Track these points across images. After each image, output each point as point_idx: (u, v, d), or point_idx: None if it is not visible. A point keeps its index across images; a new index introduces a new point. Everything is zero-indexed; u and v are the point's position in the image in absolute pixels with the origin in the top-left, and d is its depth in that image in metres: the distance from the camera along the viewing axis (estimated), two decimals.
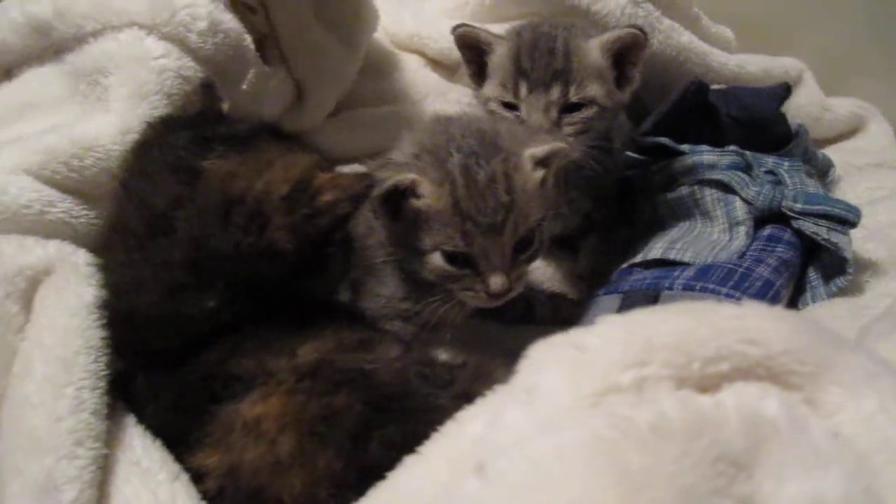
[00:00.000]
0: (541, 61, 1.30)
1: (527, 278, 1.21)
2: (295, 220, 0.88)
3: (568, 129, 1.30)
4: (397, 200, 1.11)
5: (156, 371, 0.91)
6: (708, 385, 0.63)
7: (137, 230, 0.92)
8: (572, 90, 1.29)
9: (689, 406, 0.59)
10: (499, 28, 1.50)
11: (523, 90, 1.31)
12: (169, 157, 0.94)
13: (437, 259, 1.14)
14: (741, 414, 0.60)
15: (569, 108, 1.31)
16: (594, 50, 1.33)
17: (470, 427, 0.70)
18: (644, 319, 0.66)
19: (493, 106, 1.35)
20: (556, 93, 1.29)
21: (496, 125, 1.19)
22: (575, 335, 0.67)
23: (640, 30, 1.33)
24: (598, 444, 0.56)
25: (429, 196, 1.10)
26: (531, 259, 1.18)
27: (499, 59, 1.36)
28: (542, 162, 1.15)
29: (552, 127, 1.29)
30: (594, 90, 1.31)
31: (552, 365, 0.65)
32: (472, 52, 1.41)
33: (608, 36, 1.34)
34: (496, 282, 1.13)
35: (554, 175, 1.19)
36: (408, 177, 1.09)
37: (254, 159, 0.92)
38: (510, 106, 1.33)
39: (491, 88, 1.36)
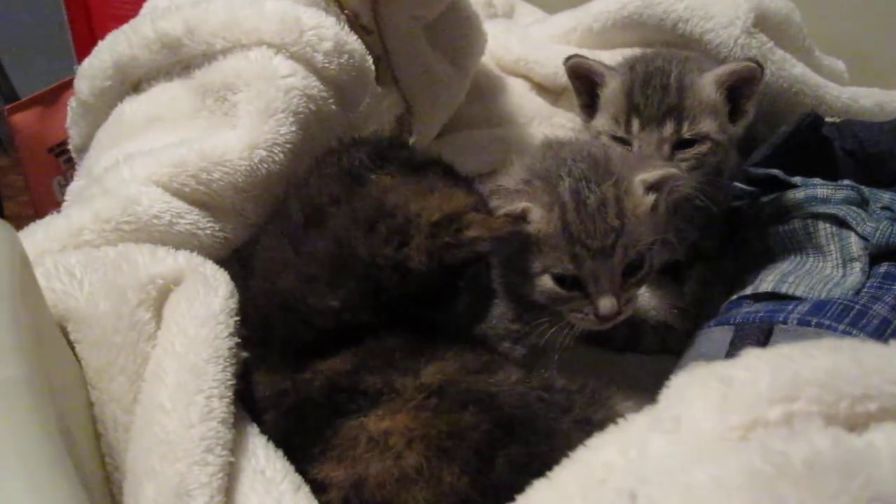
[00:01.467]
0: (654, 97, 1.30)
1: (636, 302, 1.21)
2: (434, 245, 0.90)
3: (681, 165, 1.29)
4: None
5: (278, 372, 0.93)
6: (855, 424, 0.62)
7: (295, 218, 0.97)
8: (685, 126, 1.29)
9: (841, 444, 0.58)
10: (608, 55, 1.51)
11: (635, 126, 1.31)
12: (345, 163, 1.00)
13: (546, 281, 1.15)
14: (893, 454, 0.59)
15: (682, 143, 1.31)
16: (708, 84, 1.32)
17: (602, 454, 0.70)
18: (790, 354, 0.65)
19: (605, 140, 1.35)
20: (668, 129, 1.29)
21: (608, 150, 1.20)
22: (720, 367, 0.67)
23: (757, 63, 1.32)
24: (754, 477, 0.56)
25: (538, 221, 1.11)
26: (641, 283, 1.18)
27: (611, 92, 1.37)
28: (653, 187, 1.16)
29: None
30: (707, 126, 1.30)
31: (698, 396, 0.64)
32: (584, 83, 1.42)
33: (723, 69, 1.34)
34: (605, 305, 1.13)
35: (665, 201, 1.19)
36: (518, 206, 1.11)
37: (417, 184, 0.96)
38: (622, 141, 1.34)
39: (602, 122, 1.37)
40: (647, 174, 1.15)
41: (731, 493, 0.55)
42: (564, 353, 1.25)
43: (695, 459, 0.59)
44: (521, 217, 1.11)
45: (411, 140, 1.12)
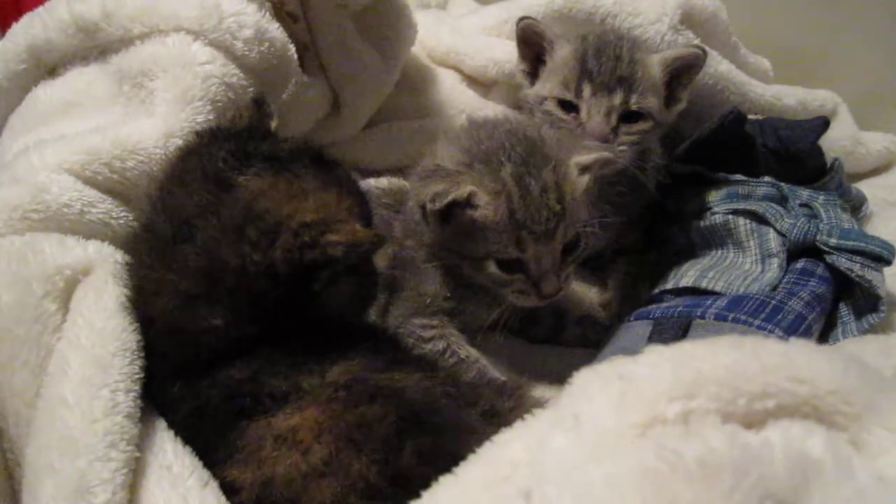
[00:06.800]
0: (607, 65, 1.33)
1: (573, 278, 1.24)
2: (294, 245, 0.86)
3: (624, 139, 1.32)
4: (450, 209, 1.13)
5: (175, 380, 0.90)
6: (753, 421, 0.63)
7: (163, 234, 0.91)
8: (634, 98, 1.32)
9: (736, 442, 0.59)
10: None
11: (586, 91, 1.33)
12: (208, 166, 0.93)
13: (489, 266, 1.17)
14: (787, 452, 0.60)
15: (627, 117, 1.33)
16: (656, 64, 1.37)
17: (508, 450, 0.70)
18: (692, 351, 0.66)
19: (550, 105, 1.37)
20: (618, 98, 1.31)
21: (541, 132, 1.20)
22: (622, 364, 0.67)
23: (702, 49, 1.36)
24: (647, 476, 0.56)
25: (484, 206, 1.12)
26: (576, 260, 1.21)
27: (562, 58, 1.39)
28: (586, 168, 1.17)
29: (611, 133, 1.31)
30: (652, 102, 1.34)
31: (599, 393, 0.64)
32: (530, 49, 1.45)
33: (670, 53, 1.39)
34: (548, 284, 1.17)
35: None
36: (466, 189, 1.11)
37: (288, 183, 0.91)
38: (568, 105, 1.35)
39: (550, 86, 1.38)
40: (582, 157, 1.17)
41: (623, 491, 0.56)
42: (489, 342, 1.26)
43: (592, 457, 0.59)
44: (468, 200, 1.12)
45: (273, 123, 1.07)
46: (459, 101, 1.74)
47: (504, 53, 1.67)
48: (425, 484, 0.74)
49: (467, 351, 1.22)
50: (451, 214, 1.14)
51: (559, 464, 0.60)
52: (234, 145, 0.95)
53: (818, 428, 0.63)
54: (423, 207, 1.15)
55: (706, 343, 0.68)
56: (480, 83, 1.78)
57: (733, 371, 0.63)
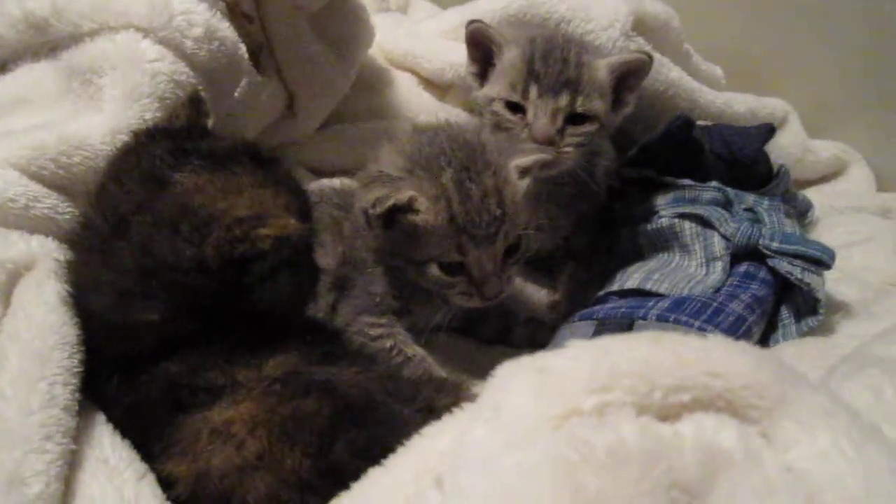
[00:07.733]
0: (554, 67, 1.35)
1: (514, 279, 1.25)
2: (226, 239, 0.86)
3: (569, 140, 1.34)
4: (392, 214, 1.14)
5: (114, 374, 0.91)
6: (668, 414, 0.65)
7: (101, 231, 0.91)
8: (580, 100, 1.34)
9: (647, 433, 0.61)
10: None
11: (533, 93, 1.35)
12: (144, 164, 0.93)
13: (432, 270, 1.18)
14: (698, 444, 0.62)
15: (573, 119, 1.35)
16: (602, 68, 1.38)
17: (437, 442, 0.71)
18: (611, 346, 0.68)
19: (497, 106, 1.39)
20: (564, 100, 1.33)
21: (480, 137, 1.22)
22: (542, 358, 0.68)
23: (648, 55, 1.39)
24: (557, 464, 0.57)
25: (425, 212, 1.14)
26: (518, 262, 1.23)
27: (509, 60, 1.40)
28: (526, 171, 1.20)
29: (556, 134, 1.33)
30: (598, 106, 1.35)
31: (518, 386, 0.66)
32: (480, 51, 1.46)
33: (617, 58, 1.40)
34: (490, 286, 1.19)
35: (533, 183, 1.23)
36: (406, 194, 1.12)
37: (225, 180, 0.91)
38: (515, 107, 1.37)
39: (498, 88, 1.40)
40: (521, 160, 1.19)
41: (535, 478, 0.57)
42: (436, 342, 1.28)
43: (508, 447, 0.60)
44: (409, 206, 1.13)
45: (209, 122, 1.08)
46: (415, 103, 1.76)
47: (460, 57, 1.67)
48: (358, 477, 0.75)
49: (413, 350, 1.23)
50: (394, 219, 1.15)
51: (476, 453, 0.62)
52: (171, 144, 0.95)
53: (731, 421, 0.65)
54: (365, 212, 1.16)
55: (626, 338, 0.69)
56: (437, 86, 1.80)
57: (650, 365, 0.65)
